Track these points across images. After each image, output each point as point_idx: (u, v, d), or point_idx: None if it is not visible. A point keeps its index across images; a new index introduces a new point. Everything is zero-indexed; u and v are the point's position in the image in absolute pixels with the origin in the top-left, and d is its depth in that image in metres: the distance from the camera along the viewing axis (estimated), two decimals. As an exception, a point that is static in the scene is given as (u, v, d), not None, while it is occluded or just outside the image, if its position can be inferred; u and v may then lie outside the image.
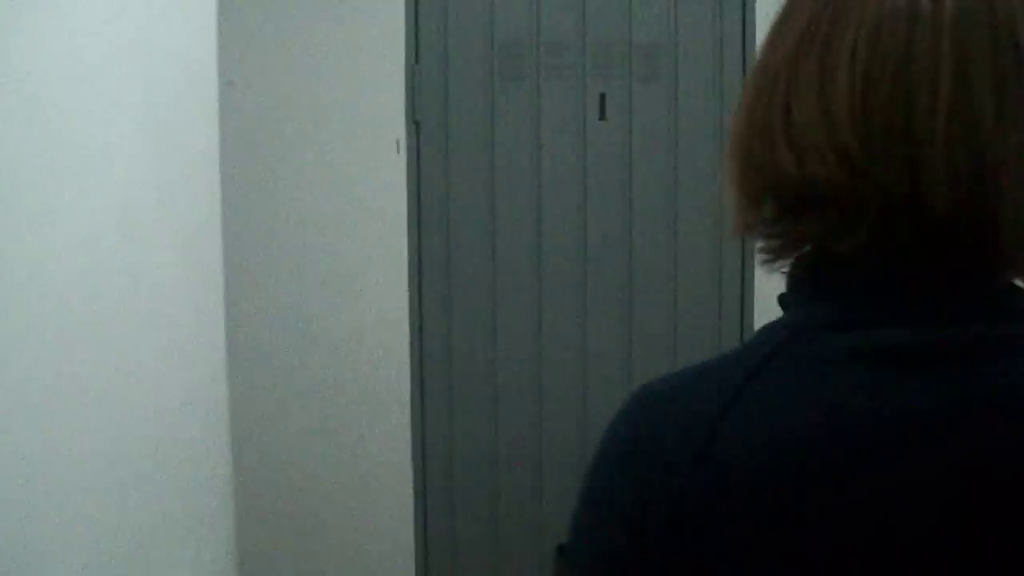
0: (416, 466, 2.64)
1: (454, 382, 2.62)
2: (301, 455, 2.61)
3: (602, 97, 2.58)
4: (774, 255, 0.67)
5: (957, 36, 0.58)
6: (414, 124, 2.58)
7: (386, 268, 2.59)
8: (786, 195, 0.63)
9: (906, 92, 0.58)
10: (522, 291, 2.60)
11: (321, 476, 2.62)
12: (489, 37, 2.57)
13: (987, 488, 0.57)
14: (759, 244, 0.68)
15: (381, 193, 2.58)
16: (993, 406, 0.58)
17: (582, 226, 2.59)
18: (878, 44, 0.59)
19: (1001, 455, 0.57)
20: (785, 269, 0.68)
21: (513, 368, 2.62)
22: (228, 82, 2.60)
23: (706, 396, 0.64)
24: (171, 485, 1.70)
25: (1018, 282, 0.63)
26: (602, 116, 2.58)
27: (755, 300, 2.59)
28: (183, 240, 1.71)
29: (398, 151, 2.58)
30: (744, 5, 2.54)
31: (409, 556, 2.65)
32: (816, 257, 0.65)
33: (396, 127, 2.57)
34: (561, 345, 2.61)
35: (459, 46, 2.57)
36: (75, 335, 1.32)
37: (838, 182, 0.60)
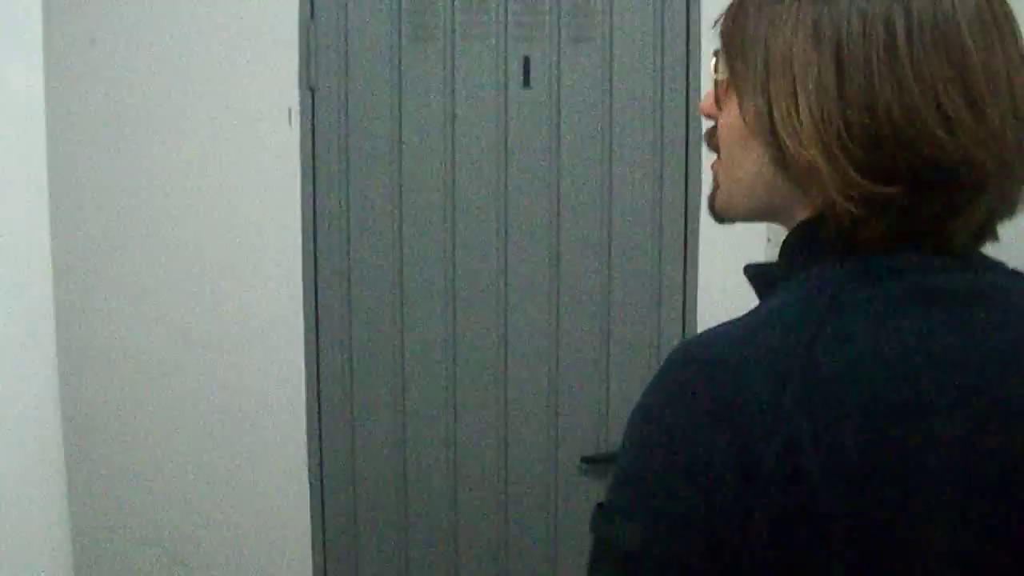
0: (313, 484, 2.29)
1: (356, 384, 2.27)
2: (174, 476, 2.24)
3: (526, 60, 2.24)
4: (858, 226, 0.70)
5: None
6: (309, 91, 2.23)
7: (277, 257, 2.23)
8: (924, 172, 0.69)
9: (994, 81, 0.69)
10: (433, 283, 2.26)
11: (199, 501, 2.25)
12: (395, -10, 2.22)
13: None
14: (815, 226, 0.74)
15: (271, 170, 2.23)
16: None
17: (502, 208, 2.26)
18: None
19: None
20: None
21: (424, 367, 2.27)
22: (90, 40, 2.24)
23: (783, 336, 0.66)
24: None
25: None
26: (526, 82, 2.25)
27: (699, 286, 2.27)
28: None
29: (290, 122, 2.22)
30: (687, -47, 2.22)
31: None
32: (837, 220, 0.71)
33: (288, 95, 2.22)
34: (478, 341, 2.27)
35: (360, 1, 2.22)
36: None
37: (979, 159, 0.69)
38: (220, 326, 2.23)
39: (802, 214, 0.75)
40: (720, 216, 0.84)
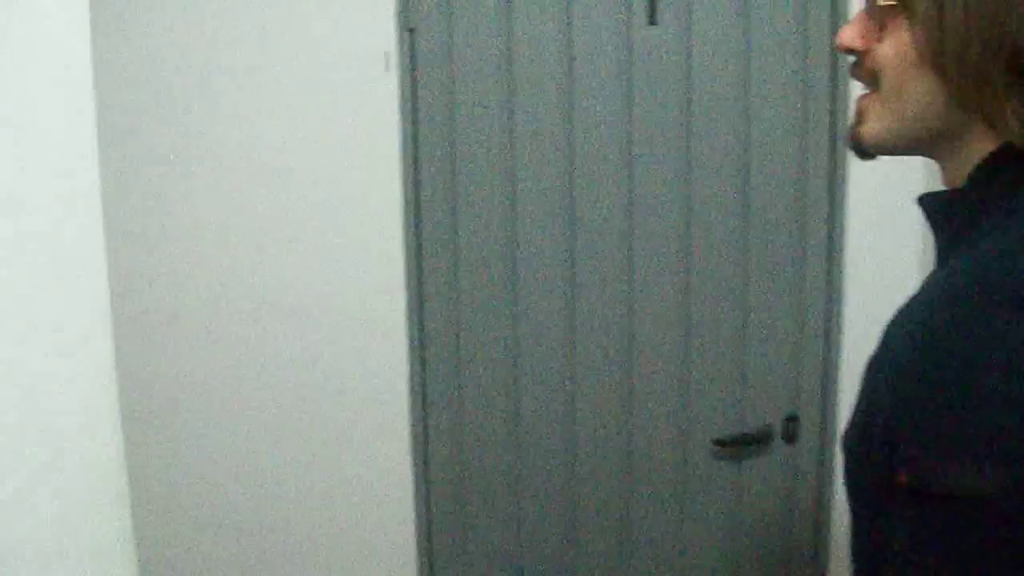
0: (417, 466, 2.10)
1: (463, 355, 2.06)
2: (262, 457, 2.06)
3: (652, -6, 1.98)
4: None
5: None
6: (407, 32, 1.98)
7: (375, 218, 2.01)
8: None
9: None
10: (550, 247, 2.03)
11: (293, 484, 2.07)
12: (504, -85, 1.96)
13: None
14: None
15: (366, 122, 1.99)
16: None
17: (626, 162, 2.01)
18: None
19: None
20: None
21: (540, 338, 2.05)
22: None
23: None
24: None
25: None
26: (652, 20, 1.98)
27: (845, 248, 2.02)
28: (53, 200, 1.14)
29: (387, 67, 1.98)
30: None
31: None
32: None
33: (384, 36, 1.98)
34: (601, 311, 2.05)
35: (465, -73, 1.96)
36: None
37: None
38: (313, 293, 2.02)
39: (983, 140, 0.75)
40: (867, 151, 0.82)
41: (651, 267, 2.03)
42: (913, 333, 0.70)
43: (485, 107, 1.99)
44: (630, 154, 2.00)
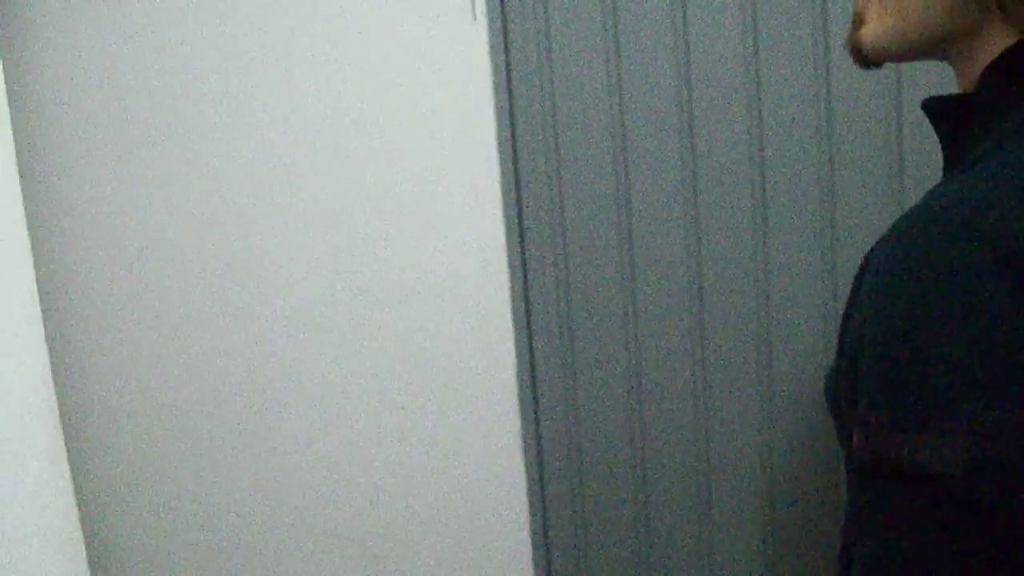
0: (529, 463, 1.89)
1: (576, 329, 1.84)
2: (362, 461, 1.86)
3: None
4: None
5: None
6: (495, -26, 1.76)
7: (470, 194, 1.80)
8: None
9: None
10: (668, 212, 1.80)
11: (394, 491, 1.87)
12: None
13: None
14: None
15: (452, 78, 1.78)
16: None
17: (756, 109, 1.77)
18: None
19: None
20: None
21: (661, 308, 1.83)
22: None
23: None
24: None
25: None
26: (773, -60, 1.73)
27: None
28: None
29: (474, 16, 1.77)
30: None
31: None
32: None
33: (468, -19, 1.76)
34: (730, 277, 1.82)
35: None
36: None
37: None
38: (406, 275, 1.81)
39: (1000, 37, 0.65)
40: (870, 57, 0.74)
41: (788, 234, 1.79)
42: (880, 270, 0.60)
43: (587, 52, 1.76)
44: (760, 100, 1.76)
